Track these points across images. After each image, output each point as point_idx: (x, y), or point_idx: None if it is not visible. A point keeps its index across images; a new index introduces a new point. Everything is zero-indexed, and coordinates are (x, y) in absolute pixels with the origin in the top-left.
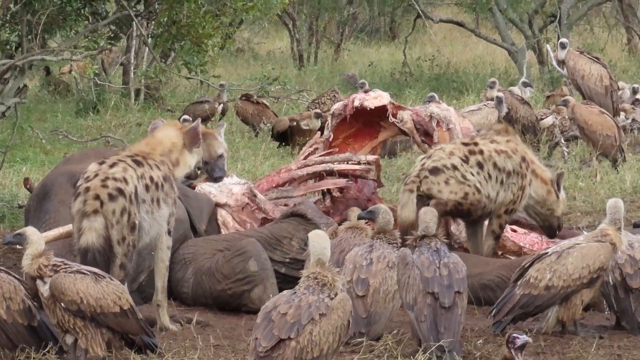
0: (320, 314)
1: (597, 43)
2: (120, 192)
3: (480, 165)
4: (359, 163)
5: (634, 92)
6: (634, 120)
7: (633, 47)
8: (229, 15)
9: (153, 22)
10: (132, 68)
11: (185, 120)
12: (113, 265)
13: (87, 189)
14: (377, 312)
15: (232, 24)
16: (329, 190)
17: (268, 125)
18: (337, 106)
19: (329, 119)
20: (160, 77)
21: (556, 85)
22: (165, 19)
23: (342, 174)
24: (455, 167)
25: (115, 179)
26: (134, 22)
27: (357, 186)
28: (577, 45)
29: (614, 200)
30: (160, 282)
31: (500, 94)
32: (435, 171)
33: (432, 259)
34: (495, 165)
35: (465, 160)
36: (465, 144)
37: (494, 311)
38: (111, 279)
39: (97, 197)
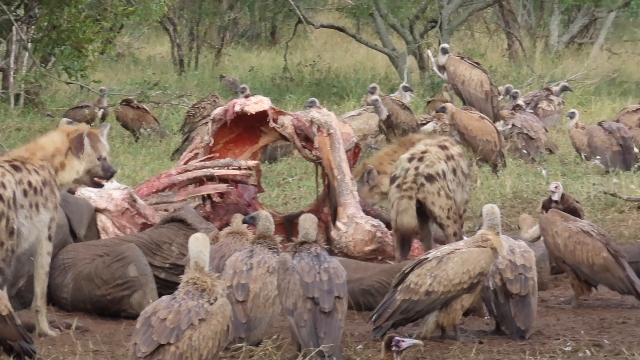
0: (199, 319)
1: (477, 48)
2: None
3: (454, 172)
4: (239, 168)
5: (514, 97)
6: (513, 125)
7: (514, 53)
8: (109, 20)
9: (33, 26)
10: (11, 73)
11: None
12: None
13: None
14: (257, 317)
15: (113, 28)
16: (209, 195)
17: (148, 130)
18: (217, 111)
19: (210, 124)
20: (40, 82)
21: (437, 90)
22: (46, 24)
23: (222, 179)
24: (444, 175)
25: None
26: (14, 27)
27: (238, 191)
28: (458, 51)
29: (490, 206)
30: (40, 287)
31: (377, 97)
32: (430, 179)
33: (313, 264)
34: (462, 170)
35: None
36: (441, 147)
37: (374, 316)
38: None
39: None
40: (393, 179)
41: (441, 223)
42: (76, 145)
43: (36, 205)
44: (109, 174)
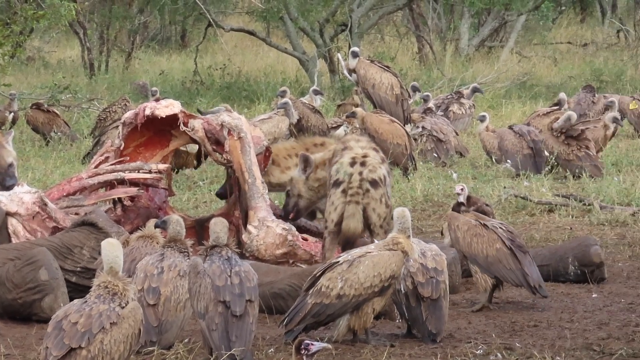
0: (111, 323)
1: (388, 52)
2: None
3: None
4: (149, 172)
5: (425, 100)
6: (423, 128)
7: (424, 56)
8: (19, 23)
9: None
10: None
11: None
12: None
13: None
14: (168, 320)
15: (23, 32)
16: (120, 199)
17: (59, 134)
18: (128, 115)
19: (120, 127)
20: None
21: (347, 94)
22: None
23: (133, 183)
24: (385, 181)
25: None
26: None
27: (149, 195)
28: (368, 54)
29: (401, 209)
30: None
31: (288, 100)
32: (375, 184)
33: (224, 267)
34: (389, 175)
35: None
36: (375, 150)
37: (285, 320)
38: None
39: None
40: (337, 183)
41: (373, 230)
42: None
43: None
44: (9, 184)
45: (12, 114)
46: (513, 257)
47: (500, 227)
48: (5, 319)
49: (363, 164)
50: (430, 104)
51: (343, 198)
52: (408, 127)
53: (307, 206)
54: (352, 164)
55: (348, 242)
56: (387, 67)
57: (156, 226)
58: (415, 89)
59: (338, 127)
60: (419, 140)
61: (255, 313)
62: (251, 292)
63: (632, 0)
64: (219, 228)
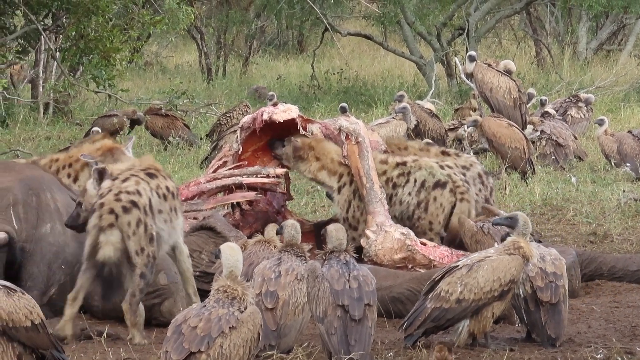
0: (230, 327)
1: (505, 56)
2: (134, 204)
3: None
4: (268, 176)
5: (542, 104)
6: (542, 132)
7: (541, 60)
8: (137, 29)
9: (61, 36)
10: (40, 82)
11: (94, 132)
12: (133, 274)
13: (102, 205)
14: (286, 324)
15: (140, 37)
16: (238, 203)
17: (177, 138)
18: (246, 119)
19: (238, 132)
20: (68, 91)
21: (465, 98)
22: (74, 33)
23: (251, 187)
24: None
25: (128, 192)
26: (42, 36)
27: (267, 199)
28: (486, 58)
29: (520, 214)
30: (192, 288)
31: (406, 105)
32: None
33: (342, 271)
34: None
35: None
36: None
37: (405, 324)
38: (23, 293)
39: (111, 211)
40: (441, 184)
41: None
42: None
43: (175, 209)
44: None
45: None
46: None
47: None
48: (125, 323)
49: (448, 166)
50: (548, 108)
51: (452, 198)
52: (527, 131)
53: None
54: (442, 166)
55: (453, 240)
56: (508, 71)
57: (278, 233)
58: (530, 97)
59: (455, 129)
60: (538, 144)
61: (374, 317)
62: (370, 296)
63: None
64: (341, 235)
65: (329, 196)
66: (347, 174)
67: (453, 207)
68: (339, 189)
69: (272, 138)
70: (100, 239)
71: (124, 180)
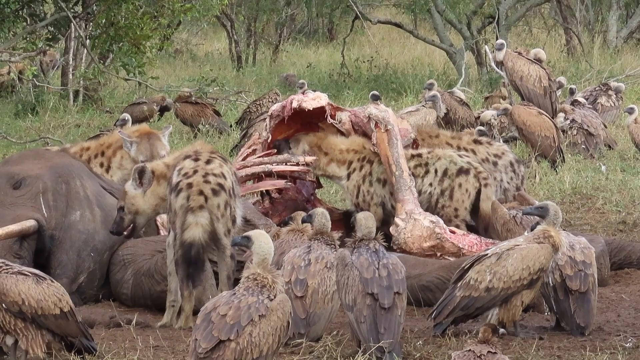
0: (260, 315)
1: (535, 44)
2: (221, 187)
3: None
4: (297, 164)
5: (572, 92)
6: (573, 121)
7: (572, 48)
8: (167, 16)
9: (91, 23)
10: (70, 69)
11: (123, 119)
12: (223, 255)
13: (190, 185)
14: (316, 312)
15: (170, 25)
16: (267, 191)
17: (206, 126)
18: (275, 107)
19: (268, 120)
20: (98, 79)
21: (495, 86)
22: (104, 21)
23: (280, 175)
24: None
25: (215, 175)
26: (72, 24)
27: (296, 187)
28: (516, 46)
29: (551, 203)
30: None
31: (436, 93)
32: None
33: (371, 260)
34: None
35: None
36: None
37: (434, 313)
38: (52, 281)
39: (200, 192)
40: (464, 171)
41: None
42: None
43: (241, 196)
44: None
45: (166, 103)
46: None
47: None
48: (154, 311)
49: (466, 154)
50: (578, 97)
51: (477, 183)
52: (557, 119)
53: (145, 223)
54: (460, 155)
55: (487, 226)
56: (539, 60)
57: (303, 221)
58: (560, 84)
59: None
60: (568, 133)
61: (403, 305)
62: (399, 285)
63: None
64: (370, 223)
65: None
66: (357, 160)
67: (478, 193)
68: (348, 175)
69: (276, 139)
70: (189, 219)
71: (208, 162)
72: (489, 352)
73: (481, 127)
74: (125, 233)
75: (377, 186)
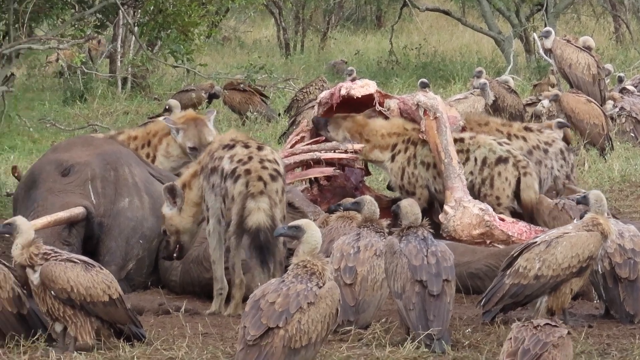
0: (308, 303)
1: (584, 31)
2: (278, 172)
3: None
4: (345, 151)
5: (620, 80)
6: (622, 108)
7: (620, 36)
8: (215, 3)
9: (139, 10)
10: (118, 57)
11: (170, 105)
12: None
13: (248, 171)
14: (365, 300)
15: (218, 12)
16: (316, 178)
17: (255, 113)
18: (323, 94)
19: (316, 107)
20: (146, 66)
21: (543, 73)
22: (152, 8)
23: (329, 163)
24: None
25: (269, 161)
26: (120, 11)
27: (345, 175)
28: (564, 34)
29: (593, 193)
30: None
31: (485, 81)
32: None
33: (420, 247)
34: None
35: None
36: None
37: (483, 300)
38: (101, 268)
39: (259, 178)
40: (503, 160)
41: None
42: None
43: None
44: None
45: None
46: None
47: None
48: (202, 298)
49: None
50: (627, 84)
51: (516, 172)
52: (606, 107)
53: (190, 239)
54: (500, 143)
55: (531, 215)
56: (587, 47)
57: (345, 209)
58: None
59: (533, 104)
60: (617, 121)
61: (452, 293)
62: (448, 272)
63: None
64: (416, 209)
65: (389, 188)
66: (401, 142)
67: (518, 182)
68: (393, 157)
69: (315, 117)
70: (250, 205)
71: (259, 149)
72: (547, 324)
73: (561, 120)
74: (175, 255)
75: (421, 169)
